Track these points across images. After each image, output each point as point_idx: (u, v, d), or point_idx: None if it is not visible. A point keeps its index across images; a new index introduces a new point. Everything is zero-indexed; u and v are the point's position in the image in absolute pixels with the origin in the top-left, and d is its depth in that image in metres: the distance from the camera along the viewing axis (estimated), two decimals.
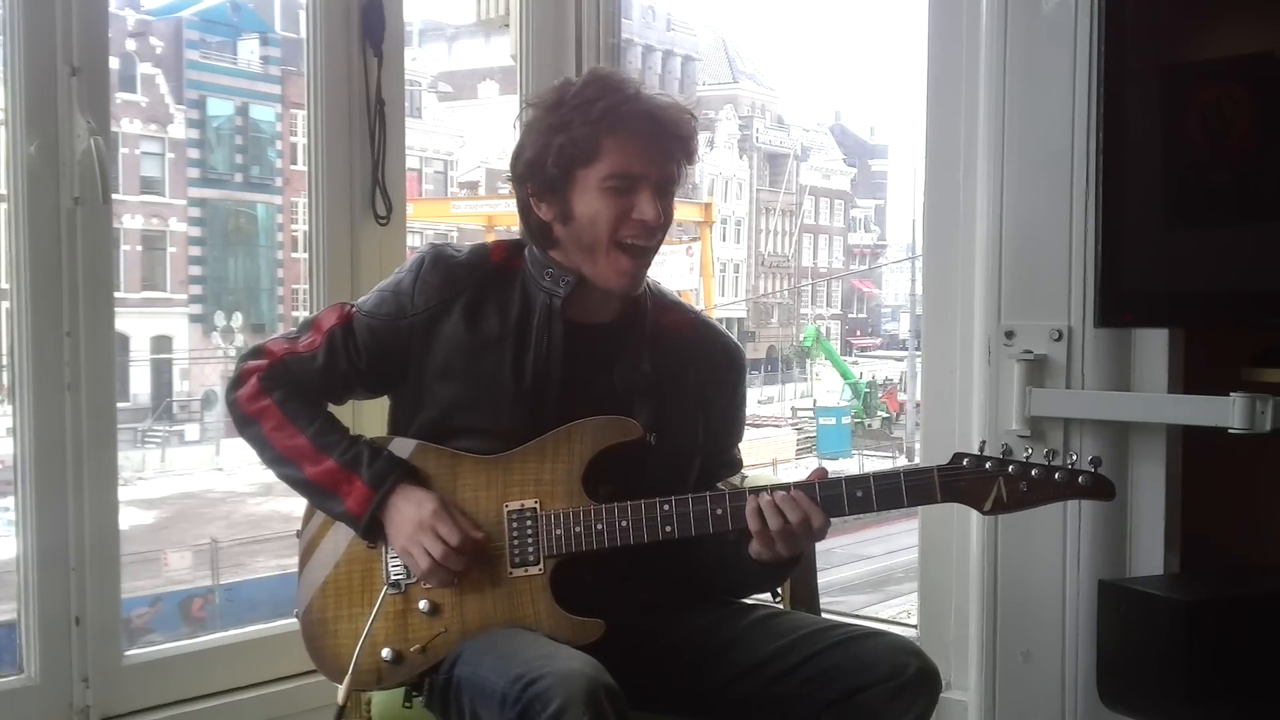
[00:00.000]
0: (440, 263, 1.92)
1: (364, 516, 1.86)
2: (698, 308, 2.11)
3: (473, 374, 1.88)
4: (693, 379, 1.96)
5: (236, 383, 1.94)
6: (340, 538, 1.92)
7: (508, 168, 1.95)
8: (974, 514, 2.37)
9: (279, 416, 1.90)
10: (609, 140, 1.82)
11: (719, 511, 1.80)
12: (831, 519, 1.80)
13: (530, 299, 1.91)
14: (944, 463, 1.79)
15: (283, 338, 1.97)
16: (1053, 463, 1.77)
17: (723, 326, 2.11)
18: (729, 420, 2.03)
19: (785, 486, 1.80)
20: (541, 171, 1.86)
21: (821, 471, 1.82)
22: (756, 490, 1.81)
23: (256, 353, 1.96)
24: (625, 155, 1.83)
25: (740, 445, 2.08)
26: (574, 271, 1.89)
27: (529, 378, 1.88)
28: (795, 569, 1.95)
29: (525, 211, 1.91)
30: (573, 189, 1.85)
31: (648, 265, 1.91)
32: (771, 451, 20.05)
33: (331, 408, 1.98)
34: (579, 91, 1.85)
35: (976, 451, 1.79)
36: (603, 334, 1.93)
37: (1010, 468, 1.77)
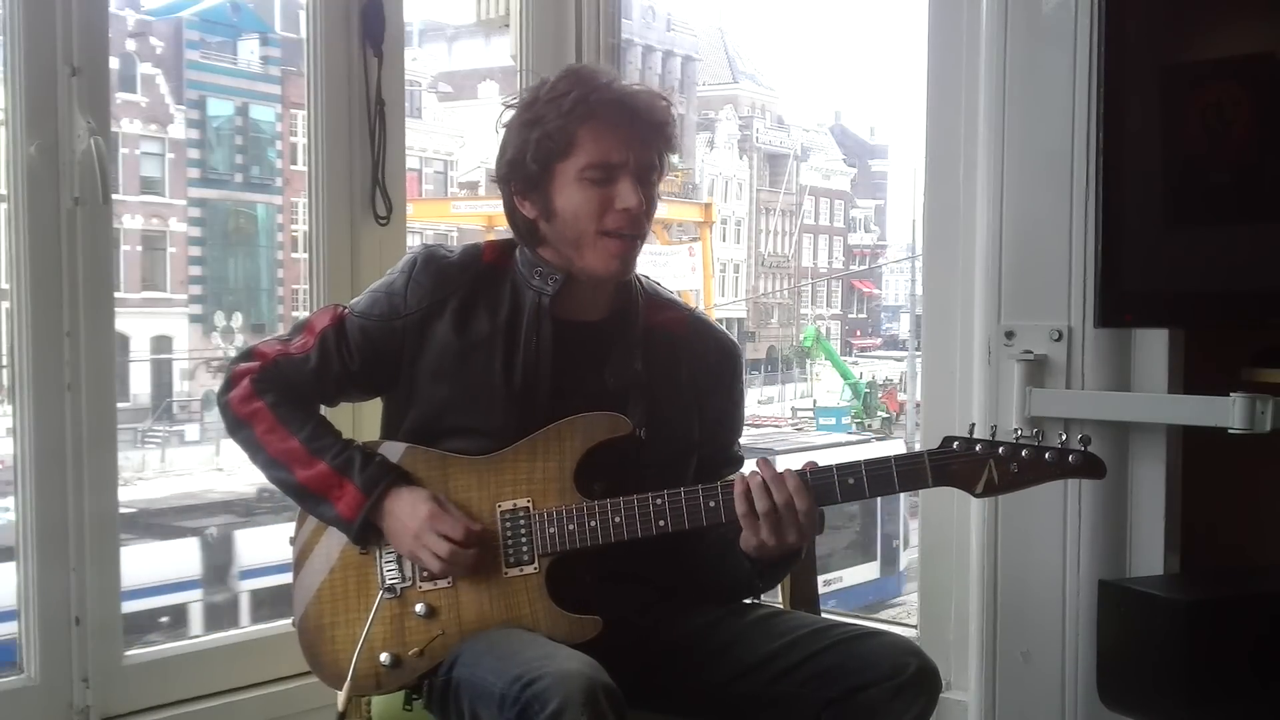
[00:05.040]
0: (432, 263, 1.92)
1: (356, 521, 1.85)
2: (692, 306, 2.10)
3: (463, 374, 1.88)
4: (686, 376, 1.96)
5: (229, 385, 1.94)
6: (333, 543, 1.91)
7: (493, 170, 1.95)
8: (973, 513, 2.40)
9: (272, 419, 1.90)
10: (583, 131, 1.82)
11: (711, 504, 1.80)
12: (826, 508, 1.79)
13: (520, 298, 1.90)
14: (934, 447, 1.79)
15: (275, 339, 1.97)
16: (1042, 443, 1.77)
17: (718, 324, 2.10)
18: (727, 417, 2.02)
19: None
20: (522, 169, 1.86)
21: (812, 464, 1.81)
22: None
23: (248, 355, 1.96)
24: (601, 144, 1.83)
25: (741, 442, 2.07)
26: (563, 269, 1.89)
27: (519, 377, 1.87)
28: (788, 569, 1.93)
29: (511, 212, 1.92)
30: (552, 184, 1.85)
31: (637, 251, 1.90)
32: None
33: (328, 410, 1.98)
34: (552, 87, 1.86)
35: (966, 435, 1.79)
36: (594, 332, 1.93)
37: (1000, 449, 1.76)
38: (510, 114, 1.91)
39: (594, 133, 1.83)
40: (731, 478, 1.86)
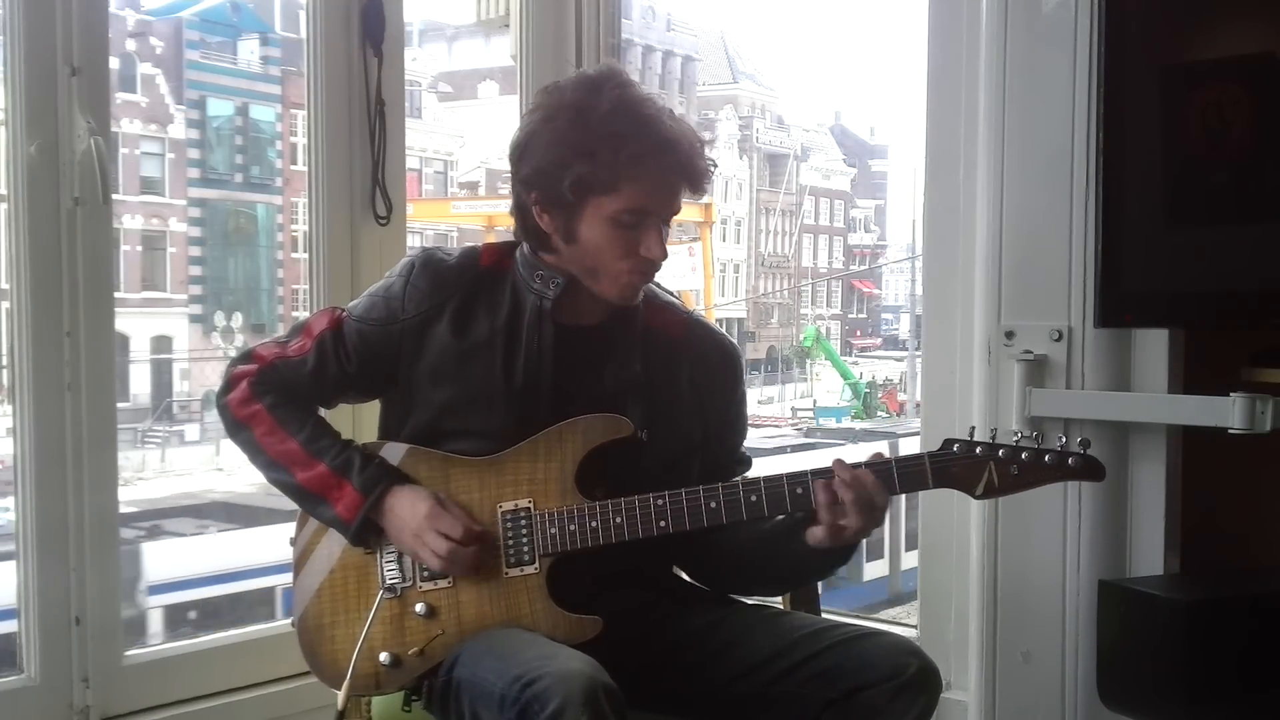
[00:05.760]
0: (430, 267, 1.91)
1: (354, 522, 1.85)
2: (691, 308, 2.10)
3: (463, 377, 1.88)
4: (686, 378, 1.96)
5: (227, 388, 1.94)
6: (334, 544, 1.91)
7: (507, 158, 1.92)
8: (973, 513, 2.40)
9: (270, 421, 1.90)
10: (630, 181, 1.81)
11: (712, 504, 1.80)
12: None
13: (520, 300, 1.90)
14: (934, 449, 1.79)
15: (273, 342, 1.97)
16: (1042, 445, 1.76)
17: (717, 326, 2.10)
18: (732, 418, 2.02)
19: (786, 476, 1.79)
20: (554, 187, 1.83)
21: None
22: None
23: (246, 357, 1.96)
24: (643, 195, 1.82)
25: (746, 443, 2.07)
26: (565, 274, 1.89)
27: (519, 379, 1.87)
28: (853, 552, 1.89)
29: (524, 213, 1.90)
30: (583, 214, 1.84)
31: (649, 281, 1.92)
32: None
33: (327, 412, 1.98)
34: (606, 118, 1.81)
35: (966, 437, 1.79)
36: (593, 335, 1.93)
37: (1000, 452, 1.76)
38: (545, 116, 1.85)
39: (640, 185, 1.81)
40: (735, 481, 1.85)
